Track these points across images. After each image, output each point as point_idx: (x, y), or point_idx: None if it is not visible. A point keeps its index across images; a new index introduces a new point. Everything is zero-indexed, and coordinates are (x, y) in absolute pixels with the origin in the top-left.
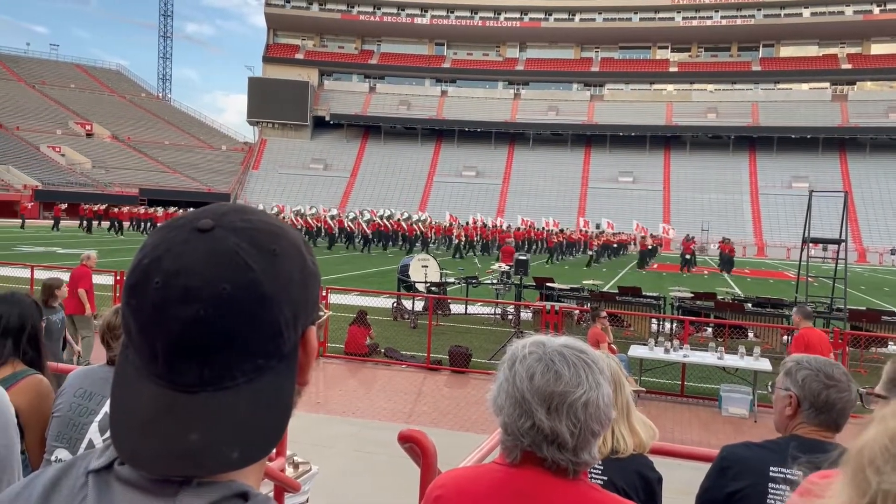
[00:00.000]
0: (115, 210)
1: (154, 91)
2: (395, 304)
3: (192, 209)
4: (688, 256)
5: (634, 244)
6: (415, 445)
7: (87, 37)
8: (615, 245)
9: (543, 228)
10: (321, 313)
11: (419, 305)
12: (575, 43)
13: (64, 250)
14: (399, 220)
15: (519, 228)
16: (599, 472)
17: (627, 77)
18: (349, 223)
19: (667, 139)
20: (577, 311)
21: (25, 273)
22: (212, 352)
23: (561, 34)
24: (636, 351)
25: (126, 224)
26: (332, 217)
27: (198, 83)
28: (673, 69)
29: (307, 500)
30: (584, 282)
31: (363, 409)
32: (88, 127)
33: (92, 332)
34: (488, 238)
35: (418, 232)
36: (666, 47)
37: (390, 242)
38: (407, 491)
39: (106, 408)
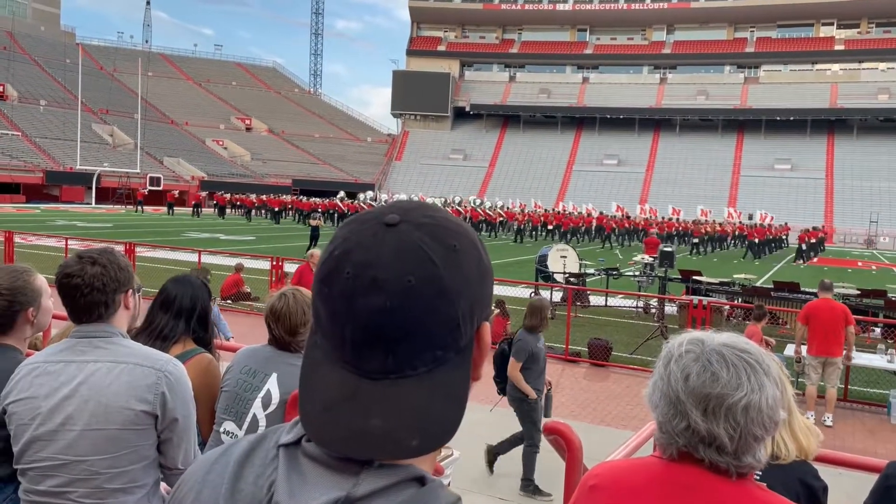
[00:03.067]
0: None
1: (306, 86)
2: (532, 295)
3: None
4: (809, 244)
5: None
6: (560, 438)
7: (248, 36)
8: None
9: (714, 220)
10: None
11: (557, 296)
12: (728, 23)
13: (227, 236)
14: (467, 205)
15: (670, 219)
16: (758, 478)
17: (786, 57)
18: None
19: (830, 123)
20: (727, 307)
21: (193, 257)
22: (395, 341)
23: (712, 14)
24: (793, 351)
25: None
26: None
27: (346, 78)
28: (839, 47)
29: (449, 484)
30: (736, 276)
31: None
32: (248, 121)
33: None
34: (567, 226)
35: (482, 216)
36: (831, 24)
37: None
38: (546, 480)
39: (268, 384)
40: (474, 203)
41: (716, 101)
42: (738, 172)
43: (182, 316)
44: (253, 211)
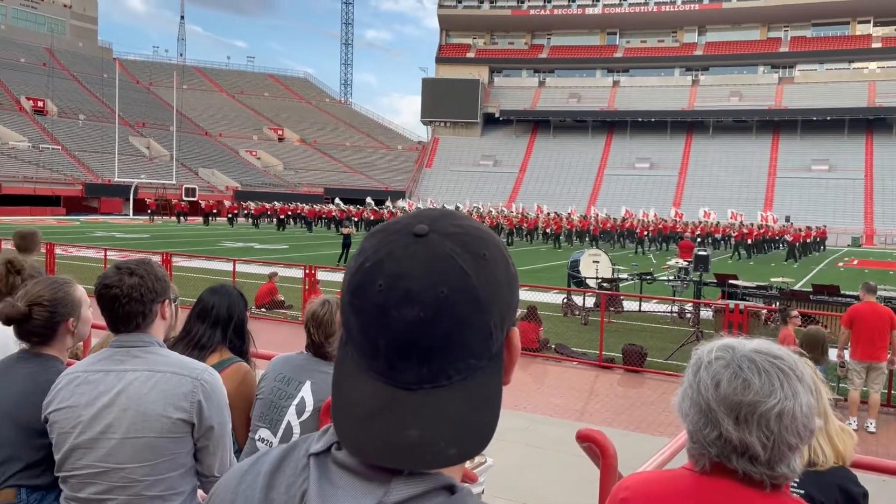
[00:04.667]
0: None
1: (337, 96)
2: (565, 300)
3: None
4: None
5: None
6: (593, 445)
7: (280, 48)
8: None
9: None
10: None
11: (590, 301)
12: (761, 23)
13: (261, 245)
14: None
15: (666, 221)
16: (796, 485)
17: (822, 56)
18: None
19: (869, 122)
20: (764, 311)
21: (228, 266)
22: (430, 352)
23: (745, 14)
24: (833, 356)
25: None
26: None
27: (376, 87)
28: (876, 45)
29: (483, 492)
30: (773, 279)
31: (534, 404)
32: (280, 132)
33: None
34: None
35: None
36: (867, 21)
37: None
38: (580, 488)
39: (302, 392)
40: (468, 209)
41: (750, 103)
42: (774, 174)
43: (219, 325)
44: (261, 218)
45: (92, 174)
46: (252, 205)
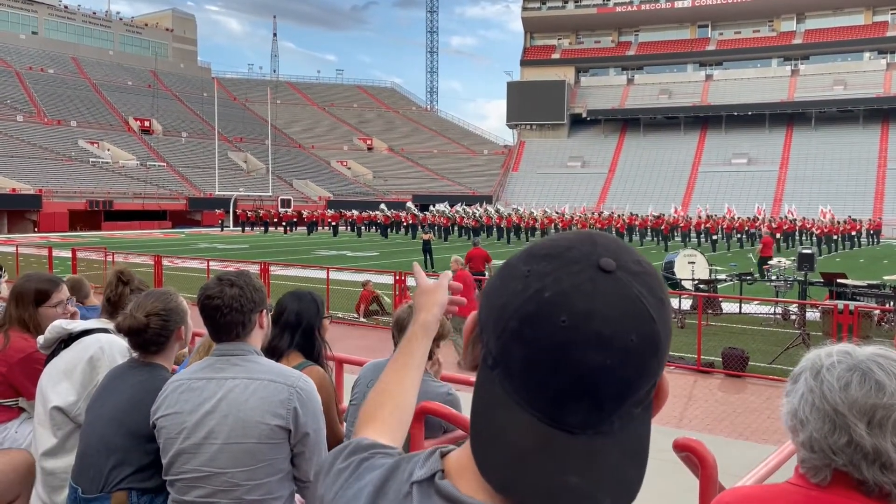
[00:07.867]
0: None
1: (423, 104)
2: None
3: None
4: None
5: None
6: (692, 455)
7: (367, 60)
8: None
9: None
10: None
11: (686, 304)
12: (864, 7)
13: (353, 253)
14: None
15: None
16: None
17: None
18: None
19: None
20: (877, 312)
21: (322, 274)
22: (605, 399)
23: None
24: None
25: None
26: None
27: (462, 93)
28: None
29: None
30: (886, 277)
31: None
32: (369, 142)
33: None
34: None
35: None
36: None
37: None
38: (680, 496)
39: None
40: (464, 211)
41: (856, 91)
42: (885, 165)
43: (287, 330)
44: (316, 226)
45: (194, 188)
46: (355, 213)
